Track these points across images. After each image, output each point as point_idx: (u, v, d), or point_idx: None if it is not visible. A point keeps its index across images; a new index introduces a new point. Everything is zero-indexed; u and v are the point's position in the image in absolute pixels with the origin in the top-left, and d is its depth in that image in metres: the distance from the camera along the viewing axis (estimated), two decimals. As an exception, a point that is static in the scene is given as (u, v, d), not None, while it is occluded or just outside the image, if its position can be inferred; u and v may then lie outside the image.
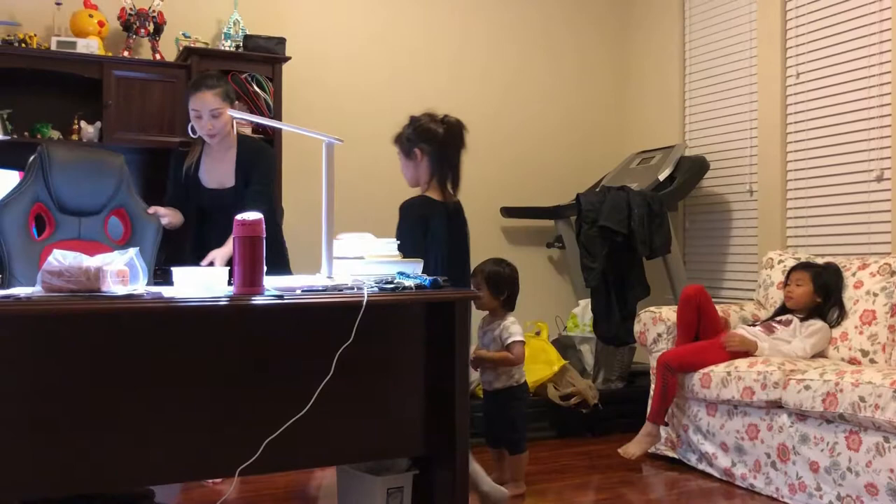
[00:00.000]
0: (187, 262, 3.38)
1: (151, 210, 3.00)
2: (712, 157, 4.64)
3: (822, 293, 3.48)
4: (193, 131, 3.29)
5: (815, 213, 4.12)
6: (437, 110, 3.16)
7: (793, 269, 3.59)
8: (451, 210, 2.97)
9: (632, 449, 3.44)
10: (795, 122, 4.21)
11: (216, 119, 3.21)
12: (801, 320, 3.45)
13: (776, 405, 3.08)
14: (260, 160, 3.35)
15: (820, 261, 3.67)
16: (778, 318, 3.51)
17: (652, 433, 3.47)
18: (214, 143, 3.30)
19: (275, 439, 2.15)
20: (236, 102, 3.43)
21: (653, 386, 3.55)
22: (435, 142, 2.93)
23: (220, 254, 3.04)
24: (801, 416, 2.99)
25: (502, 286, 3.15)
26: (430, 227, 2.85)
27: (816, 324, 3.42)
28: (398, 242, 2.60)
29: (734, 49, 4.60)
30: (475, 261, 3.23)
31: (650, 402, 3.55)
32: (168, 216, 3.12)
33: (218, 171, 3.33)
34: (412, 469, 2.53)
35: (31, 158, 2.73)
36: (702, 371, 3.37)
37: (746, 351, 3.37)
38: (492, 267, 3.18)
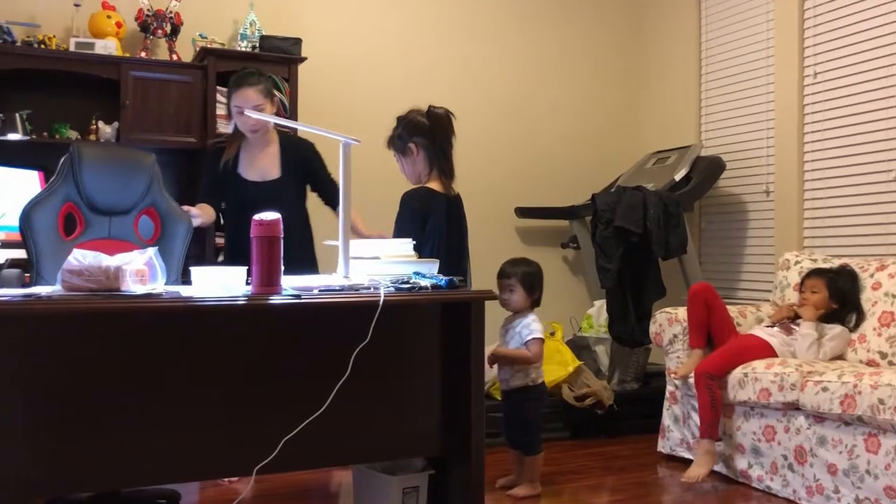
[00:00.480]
0: (225, 257, 3.44)
1: (186, 209, 3.03)
2: (728, 158, 4.61)
3: (837, 299, 3.45)
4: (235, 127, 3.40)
5: (832, 213, 4.09)
6: (453, 110, 3.16)
7: (806, 276, 3.56)
8: (452, 202, 2.97)
9: (695, 471, 3.30)
10: (813, 122, 4.18)
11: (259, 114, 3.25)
12: (821, 321, 3.42)
13: (793, 407, 3.06)
14: (312, 153, 3.47)
15: (837, 262, 3.64)
16: (797, 321, 3.48)
17: (710, 450, 3.32)
18: (256, 137, 3.36)
19: (291, 439, 2.16)
20: (276, 99, 3.53)
21: (694, 401, 3.43)
22: (426, 134, 2.94)
23: None
24: (819, 418, 2.97)
25: (535, 286, 3.15)
26: (430, 218, 2.86)
27: (836, 328, 3.39)
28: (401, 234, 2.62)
29: (751, 48, 4.58)
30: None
31: (698, 418, 3.37)
32: (200, 217, 3.15)
33: (260, 165, 3.39)
34: (427, 469, 2.54)
35: (63, 158, 2.74)
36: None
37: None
38: (525, 267, 3.17)
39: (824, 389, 2.92)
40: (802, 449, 3.02)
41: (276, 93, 4.07)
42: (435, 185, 2.95)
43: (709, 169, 4.49)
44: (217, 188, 3.38)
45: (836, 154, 4.06)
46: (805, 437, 3.01)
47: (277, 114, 4.03)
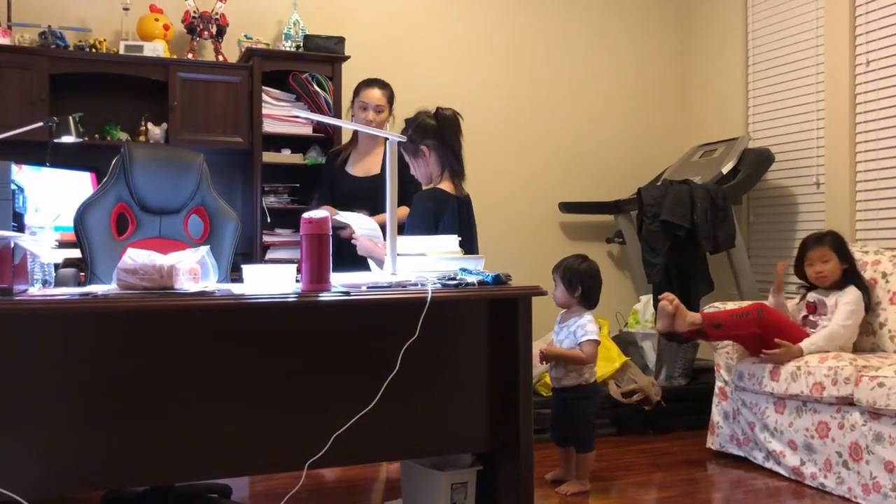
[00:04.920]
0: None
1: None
2: (777, 149, 4.53)
3: (845, 259, 3.40)
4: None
5: (886, 205, 3.98)
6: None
7: (807, 248, 3.47)
8: (462, 203, 2.98)
9: (683, 313, 3.28)
10: (865, 112, 4.08)
11: (378, 114, 3.71)
12: (831, 291, 3.38)
13: (847, 402, 2.99)
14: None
15: (888, 254, 3.55)
16: (814, 317, 3.43)
17: (694, 322, 3.28)
18: (366, 140, 3.73)
19: (341, 434, 2.18)
20: (393, 110, 3.80)
21: (738, 310, 3.40)
22: (436, 135, 2.95)
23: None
24: (875, 414, 2.90)
25: (575, 282, 3.13)
26: (442, 218, 2.87)
27: (848, 295, 3.33)
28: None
29: (799, 36, 4.48)
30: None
31: (721, 315, 3.39)
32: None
33: (366, 162, 3.75)
34: (476, 464, 2.54)
35: (114, 159, 2.80)
36: (770, 365, 3.29)
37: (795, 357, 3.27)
38: (567, 262, 3.17)
39: (880, 385, 2.86)
40: (858, 446, 2.95)
41: (321, 91, 4.13)
42: (446, 186, 2.96)
43: (757, 161, 4.42)
44: (331, 187, 3.75)
45: (890, 144, 3.96)
46: (860, 434, 2.95)
47: (323, 113, 4.09)
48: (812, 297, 3.46)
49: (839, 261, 3.40)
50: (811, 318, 3.44)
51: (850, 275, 3.40)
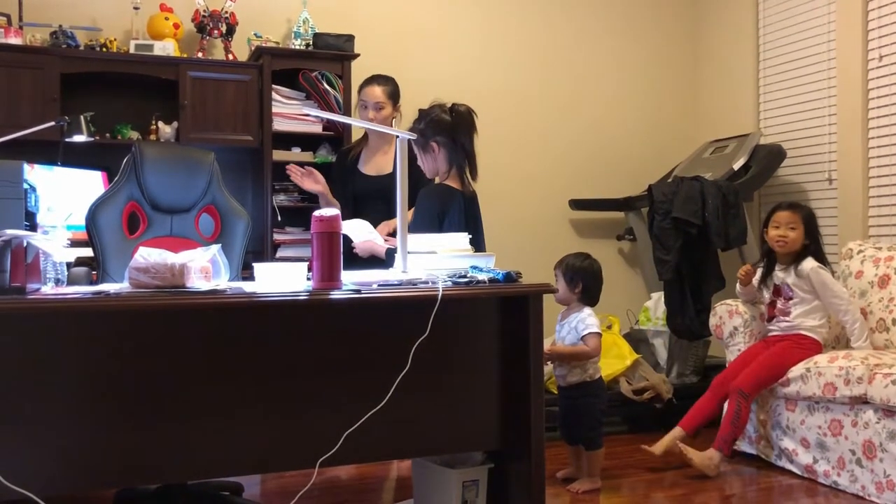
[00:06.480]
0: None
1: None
2: (789, 145, 4.50)
3: (810, 235, 3.40)
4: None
5: (899, 201, 3.96)
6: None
7: (778, 210, 3.46)
8: (468, 199, 2.98)
9: (697, 459, 3.23)
10: (878, 108, 4.05)
11: (378, 112, 3.57)
12: (788, 267, 3.39)
13: (861, 401, 2.98)
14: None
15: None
16: (782, 304, 3.42)
17: (715, 461, 3.24)
18: (375, 136, 3.64)
19: (353, 432, 2.18)
20: (399, 106, 3.69)
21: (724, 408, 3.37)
22: (448, 132, 2.93)
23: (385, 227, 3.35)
24: (889, 411, 2.88)
25: (576, 279, 3.13)
26: (447, 215, 2.87)
27: (819, 274, 3.33)
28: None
29: (811, 31, 4.45)
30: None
31: (720, 425, 3.33)
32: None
33: (377, 161, 3.65)
34: (487, 462, 2.54)
35: (125, 158, 2.81)
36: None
37: None
38: (569, 260, 3.17)
39: (894, 382, 2.84)
40: (871, 444, 2.94)
41: (331, 89, 4.13)
42: (453, 183, 2.95)
43: (769, 157, 4.39)
44: (344, 185, 3.64)
45: (903, 139, 3.94)
46: (874, 432, 2.93)
47: (333, 111, 4.09)
48: (777, 278, 3.44)
49: (804, 234, 3.38)
50: (779, 304, 3.43)
51: (809, 251, 3.39)
